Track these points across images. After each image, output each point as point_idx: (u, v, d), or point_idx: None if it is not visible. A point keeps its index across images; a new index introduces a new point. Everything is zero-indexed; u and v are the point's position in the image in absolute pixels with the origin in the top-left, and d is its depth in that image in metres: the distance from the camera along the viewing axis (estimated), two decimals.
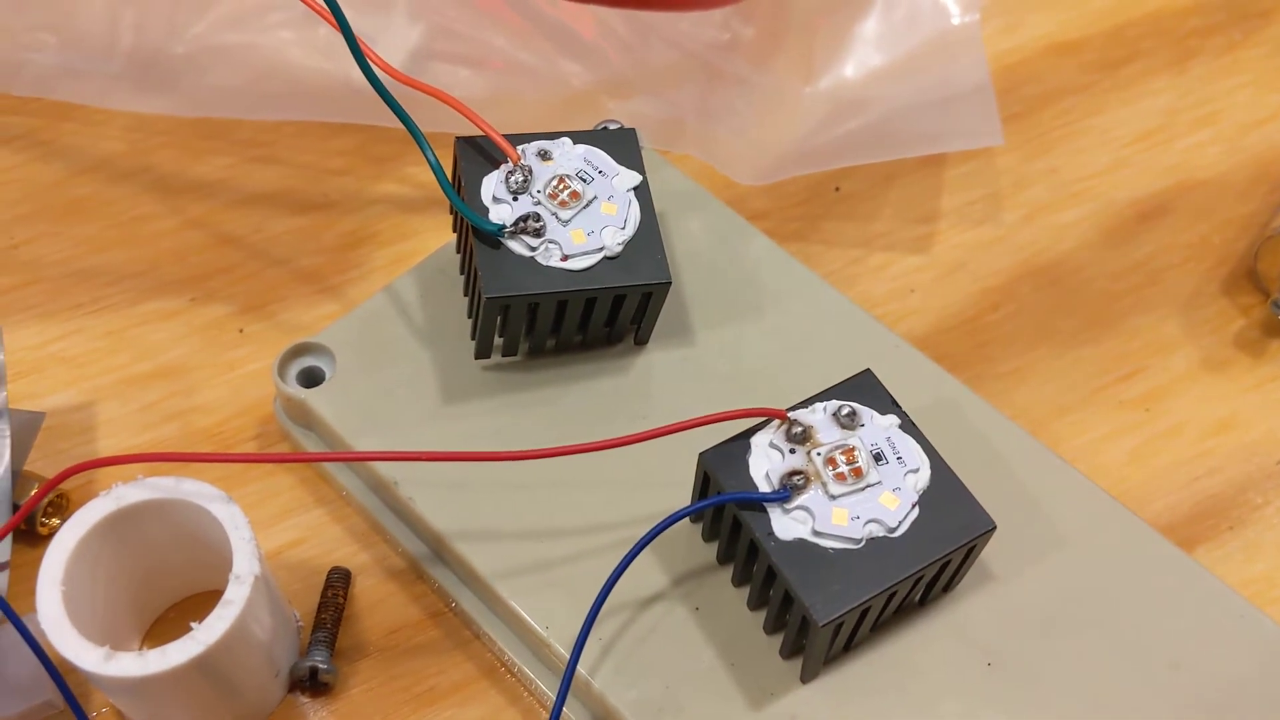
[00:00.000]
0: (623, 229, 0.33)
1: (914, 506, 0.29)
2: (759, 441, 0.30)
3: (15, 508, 0.33)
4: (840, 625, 0.29)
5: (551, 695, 0.32)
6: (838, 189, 0.44)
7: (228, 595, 0.28)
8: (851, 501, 0.29)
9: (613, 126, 0.37)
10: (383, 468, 0.34)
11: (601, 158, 0.34)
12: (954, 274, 0.42)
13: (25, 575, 0.33)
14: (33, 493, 0.34)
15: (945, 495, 0.30)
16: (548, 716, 0.33)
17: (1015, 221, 0.44)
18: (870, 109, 0.43)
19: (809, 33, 0.44)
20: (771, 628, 0.31)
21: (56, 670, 0.29)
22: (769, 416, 0.30)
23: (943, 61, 0.43)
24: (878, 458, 0.30)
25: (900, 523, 0.29)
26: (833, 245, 0.43)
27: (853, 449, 0.30)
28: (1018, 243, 0.43)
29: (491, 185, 0.33)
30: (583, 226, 0.33)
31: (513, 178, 0.33)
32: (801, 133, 0.43)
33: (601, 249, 0.33)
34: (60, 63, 0.42)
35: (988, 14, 0.47)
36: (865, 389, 0.31)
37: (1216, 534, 0.37)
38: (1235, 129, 0.46)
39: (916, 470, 0.30)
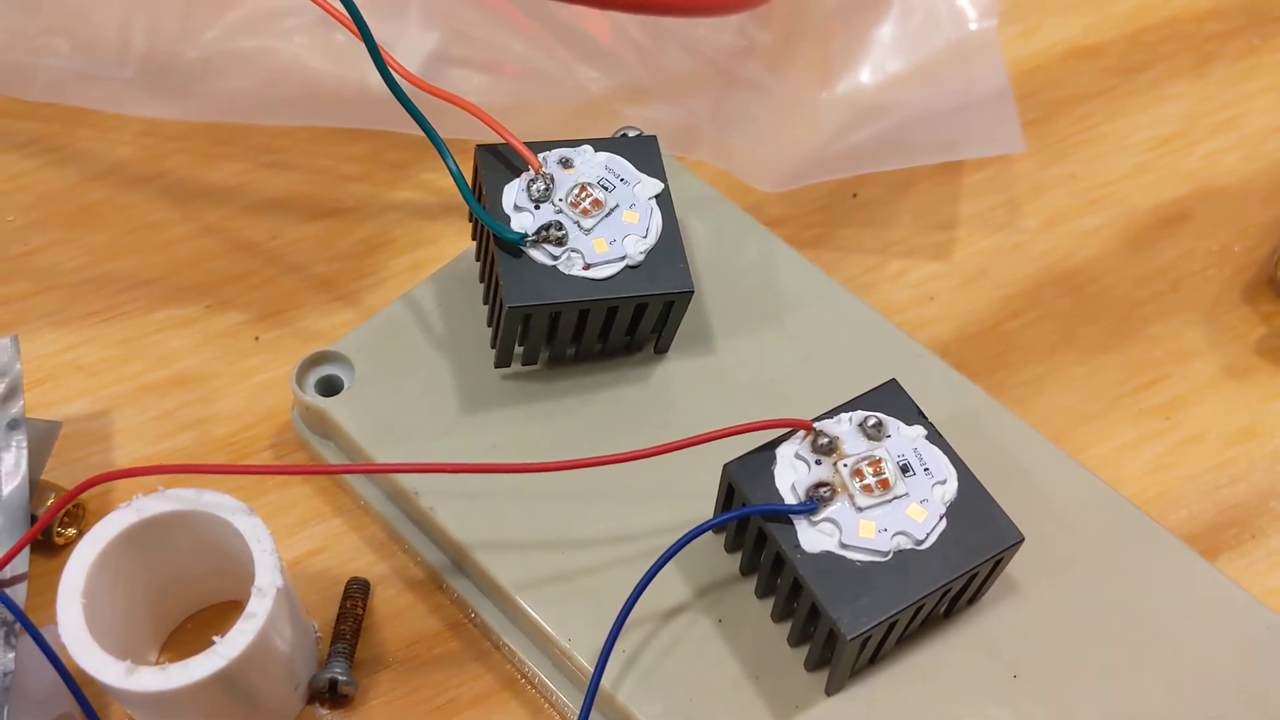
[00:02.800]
0: (645, 237, 0.33)
1: (941, 519, 0.29)
2: (784, 453, 0.30)
3: (33, 518, 0.33)
4: (868, 639, 0.28)
5: (573, 707, 0.32)
6: (855, 195, 0.44)
7: (250, 608, 0.28)
8: (879, 514, 0.29)
9: (632, 133, 0.37)
10: (403, 478, 0.34)
11: (623, 165, 0.34)
12: (974, 281, 0.42)
13: (42, 587, 0.33)
14: (50, 503, 0.34)
15: (973, 507, 0.30)
16: None
17: (1035, 228, 0.43)
18: (888, 115, 0.42)
19: (825, 38, 0.44)
20: (796, 640, 0.31)
21: (75, 683, 0.29)
22: (794, 427, 0.30)
23: (961, 67, 0.43)
24: (905, 469, 0.30)
25: (928, 535, 0.29)
26: (851, 252, 0.43)
27: (879, 460, 0.29)
28: (1038, 249, 0.43)
29: (513, 193, 0.33)
30: (605, 235, 0.33)
31: (534, 186, 0.33)
32: (819, 139, 0.42)
33: (624, 258, 0.33)
34: (73, 68, 0.42)
35: (1005, 19, 0.47)
36: (891, 399, 0.31)
37: (1240, 543, 0.37)
38: (1255, 134, 0.46)
39: (944, 482, 0.30)
